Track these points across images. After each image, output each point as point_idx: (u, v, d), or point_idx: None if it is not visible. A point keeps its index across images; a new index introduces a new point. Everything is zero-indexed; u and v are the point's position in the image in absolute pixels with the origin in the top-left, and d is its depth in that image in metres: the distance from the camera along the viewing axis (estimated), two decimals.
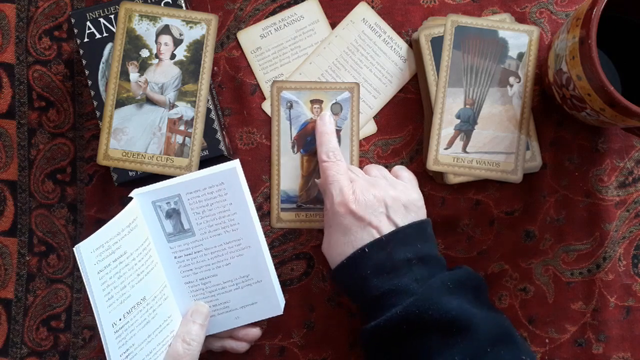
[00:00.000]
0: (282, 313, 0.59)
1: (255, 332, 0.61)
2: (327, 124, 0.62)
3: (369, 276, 0.53)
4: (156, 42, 0.61)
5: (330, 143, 0.60)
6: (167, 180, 0.56)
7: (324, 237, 0.57)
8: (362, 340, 0.54)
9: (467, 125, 0.61)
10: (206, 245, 0.57)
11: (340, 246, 0.55)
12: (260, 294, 0.58)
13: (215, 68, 0.65)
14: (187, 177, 0.55)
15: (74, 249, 0.50)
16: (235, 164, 0.55)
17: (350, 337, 0.64)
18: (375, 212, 0.54)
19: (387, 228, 0.54)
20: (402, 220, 0.54)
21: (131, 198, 0.55)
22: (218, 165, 0.55)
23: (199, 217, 0.56)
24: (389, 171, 0.60)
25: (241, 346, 0.61)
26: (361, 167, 0.64)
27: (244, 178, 0.55)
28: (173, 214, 0.56)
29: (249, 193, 0.56)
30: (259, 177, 0.64)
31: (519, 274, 0.64)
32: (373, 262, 0.53)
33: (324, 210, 0.57)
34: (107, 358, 0.51)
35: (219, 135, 0.61)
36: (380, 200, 0.54)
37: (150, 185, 0.55)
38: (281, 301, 0.59)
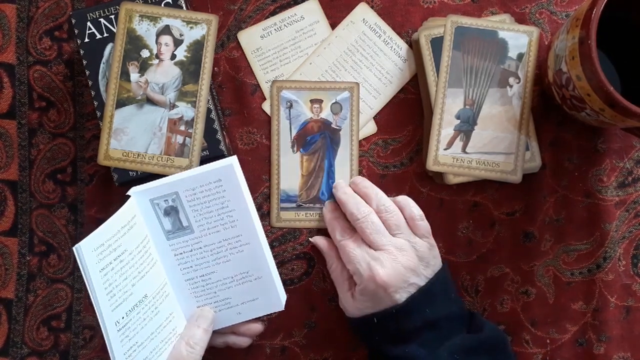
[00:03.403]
0: (283, 308, 0.59)
1: (257, 327, 0.61)
2: (327, 212, 0.62)
3: (379, 341, 0.56)
4: (156, 42, 0.61)
5: (338, 225, 0.61)
6: (165, 178, 0.56)
7: (342, 290, 0.60)
8: None
9: (466, 125, 0.61)
10: (205, 242, 0.57)
11: (364, 303, 0.57)
12: (261, 290, 0.58)
13: (215, 68, 0.65)
14: (184, 174, 0.55)
15: (74, 248, 0.50)
16: (232, 160, 0.55)
17: (352, 337, 0.64)
18: (404, 282, 0.55)
19: (405, 294, 0.55)
20: (422, 279, 0.56)
21: (129, 196, 0.55)
22: (215, 162, 0.55)
23: (198, 214, 0.56)
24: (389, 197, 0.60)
25: (243, 341, 0.61)
26: (360, 166, 0.64)
27: (242, 175, 0.55)
28: (171, 212, 0.56)
29: (248, 190, 0.56)
30: (259, 177, 0.65)
31: (521, 276, 0.64)
32: (382, 330, 0.56)
33: (355, 280, 0.58)
34: (110, 356, 0.51)
35: (219, 135, 0.61)
36: (409, 269, 0.56)
37: (148, 183, 0.56)
38: (282, 297, 0.59)
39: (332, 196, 0.63)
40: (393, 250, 0.56)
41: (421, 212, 0.59)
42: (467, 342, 0.55)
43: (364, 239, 0.58)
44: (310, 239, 0.64)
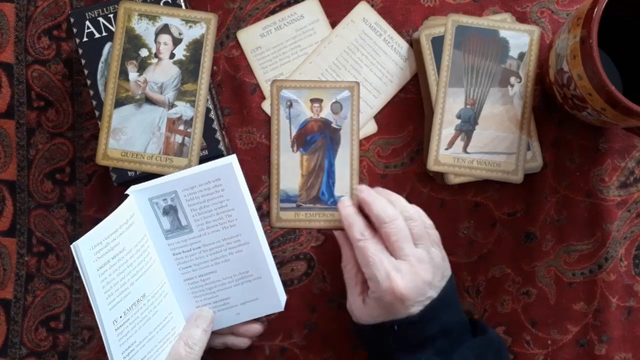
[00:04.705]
0: (283, 309, 0.59)
1: (257, 327, 0.61)
2: (346, 207, 0.58)
3: (393, 349, 0.54)
4: (155, 41, 0.61)
5: (359, 222, 0.56)
6: (164, 177, 0.56)
7: (352, 293, 0.57)
8: None
9: (467, 125, 0.61)
10: (204, 241, 0.57)
11: (375, 311, 0.55)
12: (261, 291, 0.58)
13: (214, 67, 0.65)
14: (183, 173, 0.55)
15: (72, 246, 0.50)
16: (232, 159, 0.54)
17: (352, 338, 0.64)
18: (422, 296, 0.54)
19: (420, 307, 0.54)
20: (437, 291, 0.55)
21: (127, 195, 0.55)
22: (214, 161, 0.55)
23: (197, 213, 0.56)
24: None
25: (242, 342, 0.61)
26: (361, 166, 0.64)
27: (242, 174, 0.55)
28: (170, 211, 0.56)
29: (247, 189, 0.55)
30: (259, 177, 0.64)
31: (522, 277, 0.64)
32: (400, 338, 0.54)
33: (370, 287, 0.55)
34: (108, 356, 0.51)
35: (218, 135, 0.61)
36: (427, 283, 0.54)
37: (147, 182, 0.55)
38: (282, 298, 0.59)
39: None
40: (414, 262, 0.54)
41: (431, 222, 0.57)
42: (477, 345, 0.55)
43: (387, 244, 0.55)
44: (334, 232, 0.60)
